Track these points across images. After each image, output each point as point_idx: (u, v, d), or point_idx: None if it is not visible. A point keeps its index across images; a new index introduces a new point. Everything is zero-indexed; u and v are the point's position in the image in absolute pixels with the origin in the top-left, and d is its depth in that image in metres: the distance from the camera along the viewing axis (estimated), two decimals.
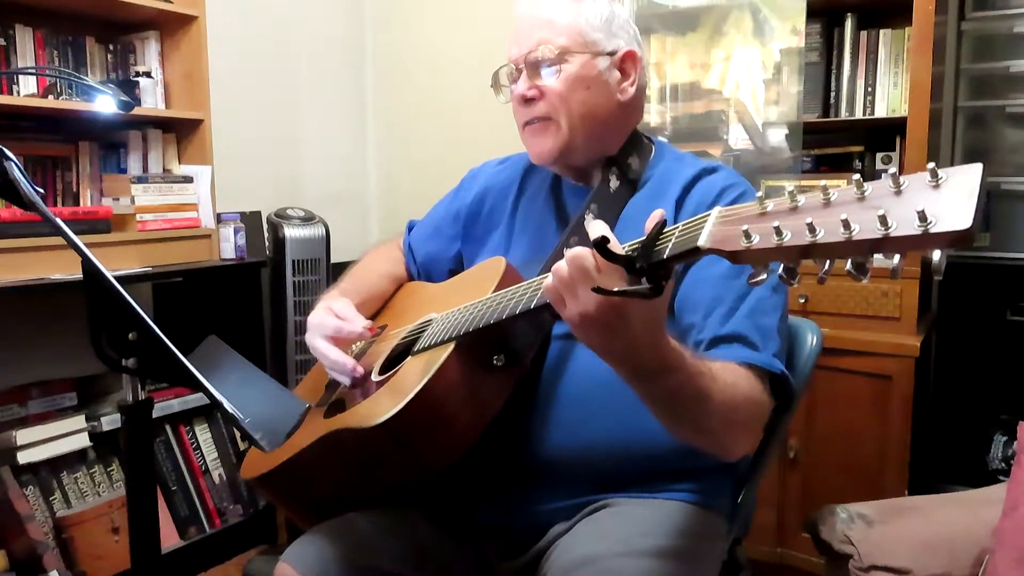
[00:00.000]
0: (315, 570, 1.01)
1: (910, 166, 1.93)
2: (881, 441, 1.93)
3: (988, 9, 2.19)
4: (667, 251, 0.71)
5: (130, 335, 0.85)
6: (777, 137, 2.16)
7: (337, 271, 2.25)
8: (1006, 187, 2.20)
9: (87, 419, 2.03)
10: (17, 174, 0.90)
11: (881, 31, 2.11)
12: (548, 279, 0.80)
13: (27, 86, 2.07)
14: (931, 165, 0.56)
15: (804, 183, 1.96)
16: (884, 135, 2.13)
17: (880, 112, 2.12)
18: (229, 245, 2.29)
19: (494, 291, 1.05)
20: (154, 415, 1.10)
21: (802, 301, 2.01)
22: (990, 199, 2.22)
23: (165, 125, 2.31)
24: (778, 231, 0.61)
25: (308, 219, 2.43)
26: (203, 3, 2.25)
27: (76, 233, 0.86)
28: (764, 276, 0.65)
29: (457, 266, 1.35)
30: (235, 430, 2.36)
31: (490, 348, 1.04)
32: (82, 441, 2.01)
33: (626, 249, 0.74)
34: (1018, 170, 2.20)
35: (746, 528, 1.23)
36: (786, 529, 2.04)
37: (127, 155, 2.24)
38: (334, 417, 1.11)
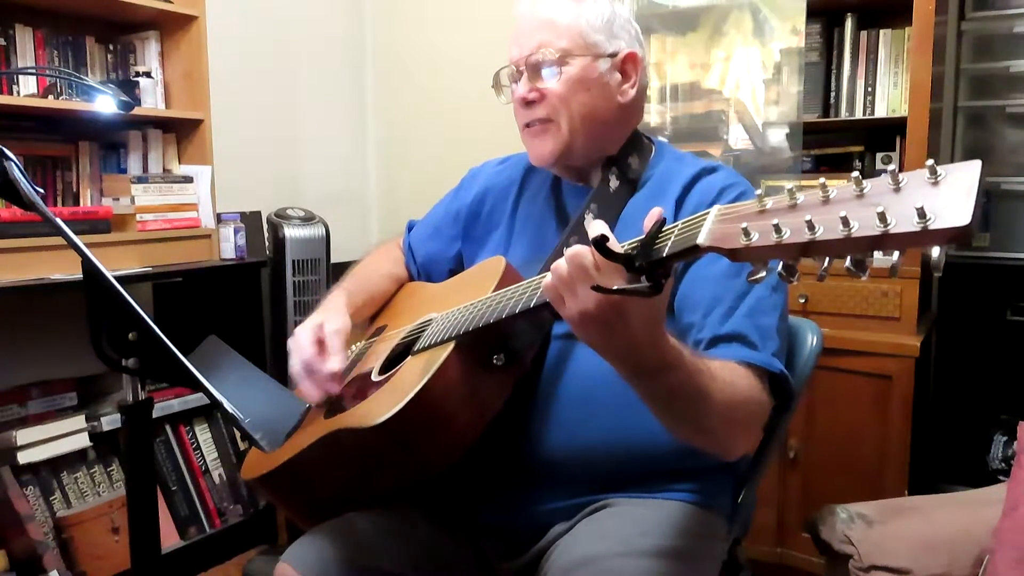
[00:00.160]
0: (315, 570, 1.01)
1: (910, 166, 1.92)
2: (881, 441, 1.93)
3: (988, 9, 2.19)
4: (666, 249, 0.71)
5: (130, 335, 0.85)
6: (777, 137, 2.16)
7: (337, 271, 2.25)
8: (1006, 187, 2.20)
9: (87, 419, 2.03)
10: (17, 174, 0.90)
11: (881, 31, 2.11)
12: (547, 278, 0.80)
13: (27, 86, 2.07)
14: (930, 162, 0.56)
15: (804, 183, 1.96)
16: (884, 135, 2.13)
17: (880, 112, 2.12)
18: (229, 245, 2.29)
19: (494, 291, 1.05)
20: (154, 415, 1.10)
21: (802, 301, 2.01)
22: (990, 199, 2.22)
23: (165, 125, 2.31)
24: (777, 228, 0.61)
25: (308, 219, 2.43)
26: (203, 3, 2.25)
27: (76, 233, 0.86)
28: (763, 274, 0.65)
29: (457, 266, 1.34)
30: (235, 430, 2.36)
31: (490, 347, 1.04)
32: (82, 441, 2.01)
33: (625, 248, 0.74)
34: (1018, 170, 2.20)
35: (746, 528, 1.23)
36: (786, 529, 2.04)
37: (127, 155, 2.24)
38: (334, 417, 1.11)
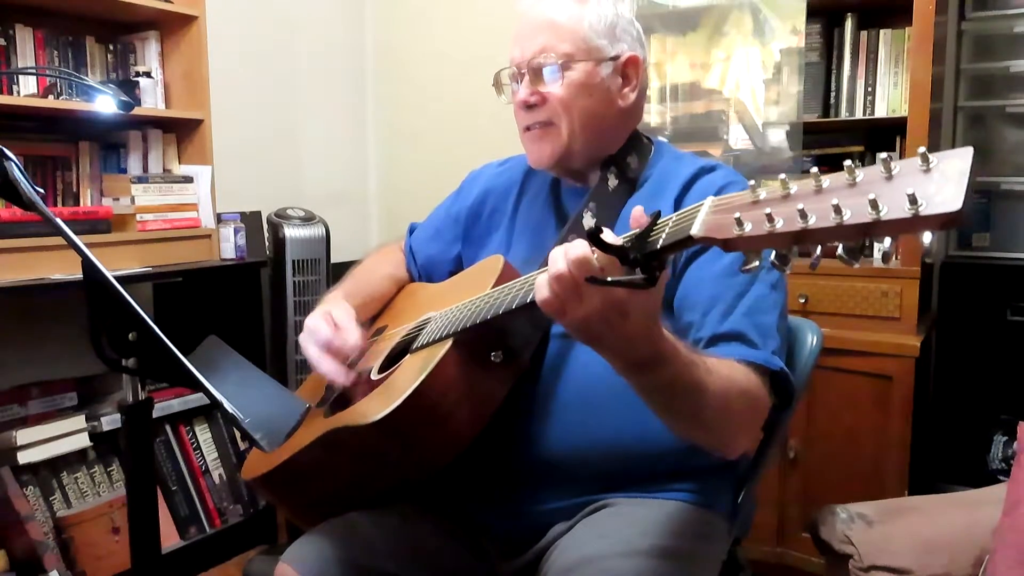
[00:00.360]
0: (315, 570, 1.01)
1: None
2: (881, 441, 1.93)
3: (988, 9, 2.19)
4: (661, 241, 0.71)
5: (130, 335, 0.85)
6: (777, 137, 2.16)
7: (337, 271, 2.25)
8: (1006, 187, 2.20)
9: (87, 419, 2.03)
10: (17, 174, 0.90)
11: (881, 31, 2.12)
12: (542, 278, 0.80)
13: (27, 86, 2.07)
14: (922, 150, 0.56)
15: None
16: (884, 135, 2.13)
17: (880, 112, 2.12)
18: (229, 245, 2.29)
19: (492, 288, 1.05)
20: (154, 415, 1.10)
21: (802, 301, 2.01)
22: (990, 199, 2.22)
23: (165, 125, 2.31)
24: (770, 218, 0.61)
25: (308, 219, 2.43)
26: (203, 3, 2.25)
27: (76, 233, 0.86)
28: (756, 263, 0.65)
29: (457, 268, 1.34)
30: (235, 430, 2.36)
31: (488, 344, 1.04)
32: (82, 441, 2.01)
33: (620, 240, 0.75)
34: (1018, 170, 2.20)
35: (746, 528, 1.23)
36: (786, 529, 2.04)
37: (127, 155, 2.24)
38: (333, 416, 1.11)
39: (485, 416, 1.03)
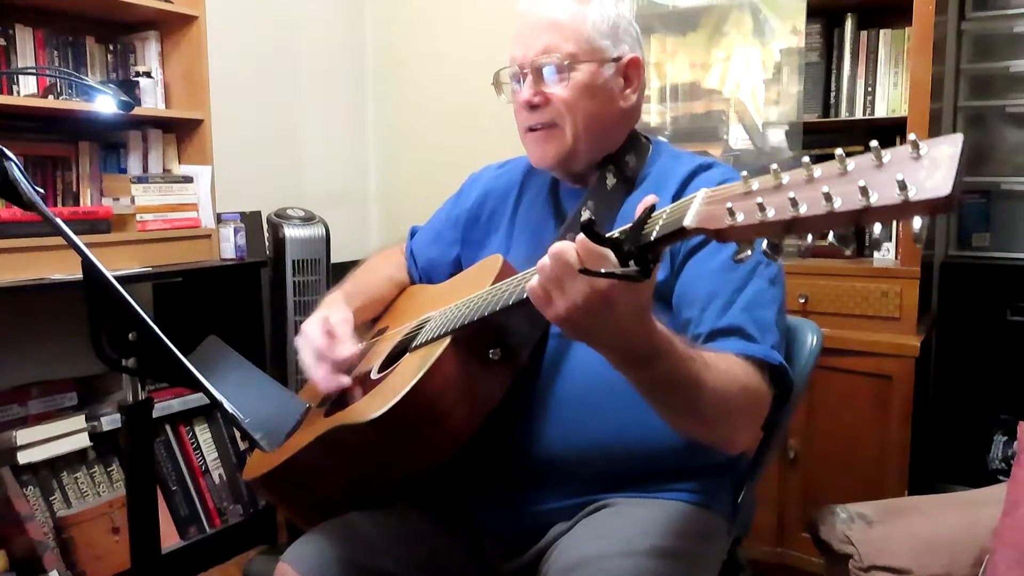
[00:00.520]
0: (315, 570, 1.01)
1: None
2: (881, 441, 1.93)
3: (988, 9, 2.19)
4: (654, 233, 0.72)
5: (130, 335, 0.85)
6: (777, 137, 2.16)
7: (337, 271, 2.25)
8: (1006, 187, 2.20)
9: (87, 419, 2.03)
10: (17, 174, 0.90)
11: (881, 31, 2.12)
12: (533, 278, 0.80)
13: (27, 86, 2.07)
14: (912, 137, 0.57)
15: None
16: (884, 135, 2.11)
17: (880, 112, 2.12)
18: (229, 245, 2.29)
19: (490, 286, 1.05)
20: (154, 415, 1.10)
21: (802, 301, 2.01)
22: (990, 199, 2.22)
23: (165, 125, 2.31)
24: (761, 207, 0.62)
25: (308, 219, 2.43)
26: (203, 3, 2.25)
27: (76, 233, 0.86)
28: (748, 253, 0.65)
29: (456, 271, 1.35)
30: (235, 430, 2.36)
31: (486, 342, 1.04)
32: (82, 441, 2.01)
33: (614, 233, 0.75)
34: (1018, 170, 2.20)
35: (746, 528, 1.23)
36: (786, 529, 2.04)
37: (127, 155, 2.24)
38: (332, 416, 1.11)
39: (484, 413, 1.03)
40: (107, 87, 1.62)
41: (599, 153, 1.18)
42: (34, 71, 2.06)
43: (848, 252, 0.61)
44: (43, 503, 1.94)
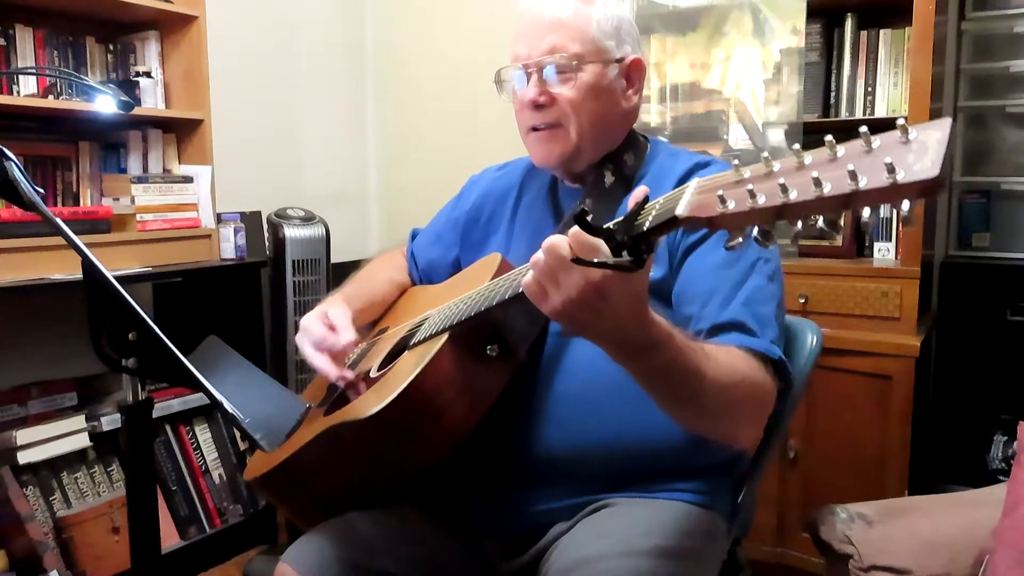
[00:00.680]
0: (315, 570, 1.01)
1: None
2: (881, 441, 1.93)
3: (988, 9, 2.19)
4: (647, 223, 0.72)
5: (130, 335, 0.85)
6: (777, 137, 2.16)
7: (337, 271, 2.25)
8: (1006, 187, 2.20)
9: (87, 419, 2.03)
10: (17, 174, 0.90)
11: (881, 31, 2.12)
12: (527, 274, 0.80)
13: (27, 86, 2.07)
14: (900, 121, 0.58)
15: None
16: None
17: (880, 112, 2.12)
18: (229, 245, 2.29)
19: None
20: (154, 415, 1.10)
21: (802, 301, 2.01)
22: (990, 199, 2.22)
23: (165, 125, 2.31)
24: (752, 194, 0.63)
25: (308, 219, 2.43)
26: (203, 3, 2.25)
27: (76, 233, 0.86)
28: (740, 240, 0.66)
29: (456, 272, 1.35)
30: (235, 430, 2.36)
31: (483, 338, 1.04)
32: (82, 441, 2.01)
33: (608, 224, 0.75)
34: (1018, 170, 2.20)
35: (746, 528, 1.23)
36: (786, 529, 2.04)
37: (127, 155, 2.24)
38: (332, 414, 1.12)
39: (482, 410, 1.03)
40: (107, 87, 1.62)
41: (600, 153, 1.19)
42: (34, 71, 2.06)
43: (837, 236, 0.62)
44: (43, 503, 1.94)
